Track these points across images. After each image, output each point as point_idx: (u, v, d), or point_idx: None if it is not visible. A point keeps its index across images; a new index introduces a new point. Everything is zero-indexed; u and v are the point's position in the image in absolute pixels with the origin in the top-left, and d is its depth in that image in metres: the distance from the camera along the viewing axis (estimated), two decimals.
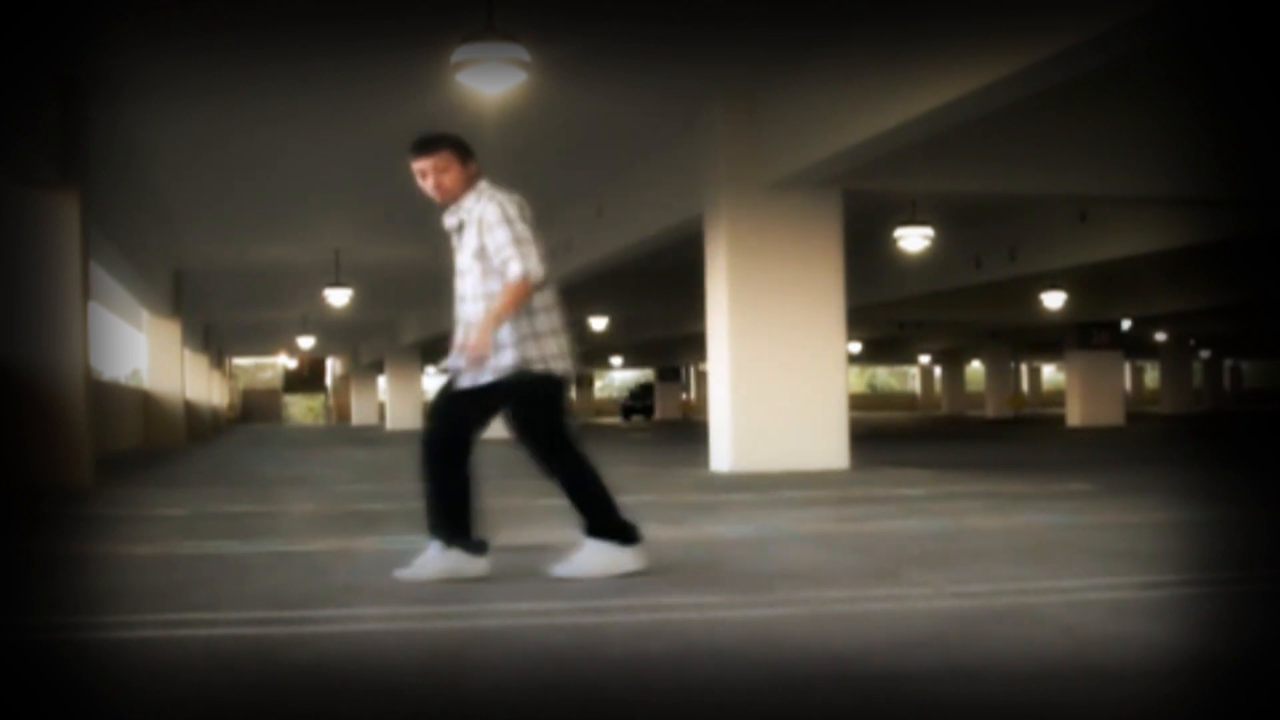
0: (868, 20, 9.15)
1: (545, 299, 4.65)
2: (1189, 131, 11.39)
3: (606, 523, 4.69)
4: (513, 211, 4.59)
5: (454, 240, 4.76)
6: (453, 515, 4.69)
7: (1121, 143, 11.55)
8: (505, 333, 4.57)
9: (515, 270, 4.51)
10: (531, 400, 4.67)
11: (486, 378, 4.60)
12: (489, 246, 4.59)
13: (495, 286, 4.59)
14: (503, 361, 4.58)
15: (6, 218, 10.65)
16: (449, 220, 4.75)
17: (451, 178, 4.68)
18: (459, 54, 8.12)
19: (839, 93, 9.87)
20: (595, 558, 4.66)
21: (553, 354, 4.63)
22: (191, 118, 12.08)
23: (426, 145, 4.70)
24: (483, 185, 4.73)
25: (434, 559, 4.65)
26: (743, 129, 11.46)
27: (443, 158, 4.67)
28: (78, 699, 3.09)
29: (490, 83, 8.48)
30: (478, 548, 4.66)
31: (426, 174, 4.68)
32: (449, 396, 4.73)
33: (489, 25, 8.02)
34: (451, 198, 4.70)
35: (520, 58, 8.17)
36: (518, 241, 4.54)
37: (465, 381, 4.64)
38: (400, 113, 11.55)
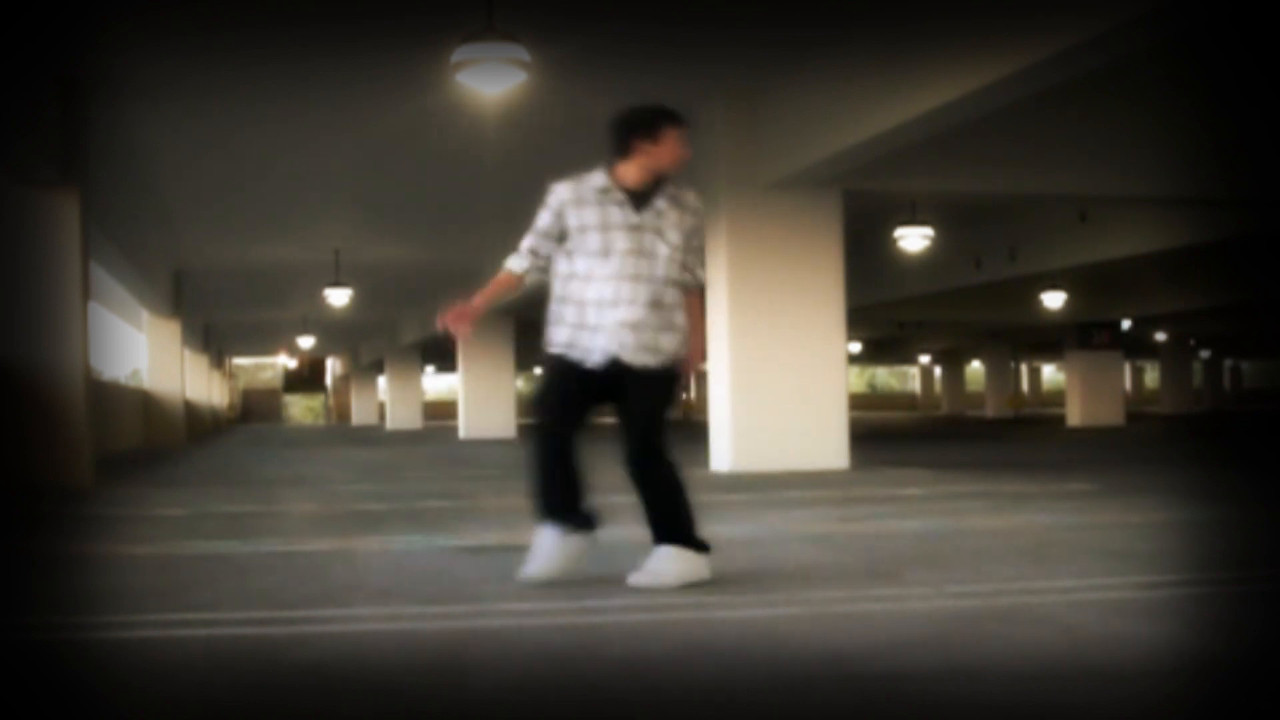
0: (868, 20, 9.15)
1: None
2: (1189, 131, 11.39)
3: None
4: None
5: (633, 216, 4.50)
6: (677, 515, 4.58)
7: (1121, 143, 11.55)
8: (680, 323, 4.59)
9: (704, 277, 4.73)
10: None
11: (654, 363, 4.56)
12: (694, 242, 4.62)
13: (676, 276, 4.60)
14: (670, 348, 4.58)
15: (6, 218, 10.65)
16: (637, 199, 4.53)
17: None
18: (459, 54, 8.12)
19: (839, 93, 9.87)
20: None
21: None
22: (191, 118, 12.08)
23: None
24: None
25: (668, 562, 4.50)
26: (743, 129, 11.46)
27: None
28: (78, 699, 3.09)
29: (490, 83, 8.48)
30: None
31: (685, 144, 4.59)
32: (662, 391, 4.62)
33: (489, 25, 8.02)
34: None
35: (520, 58, 8.18)
36: None
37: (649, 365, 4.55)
38: (400, 113, 11.57)
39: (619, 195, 4.51)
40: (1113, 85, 10.37)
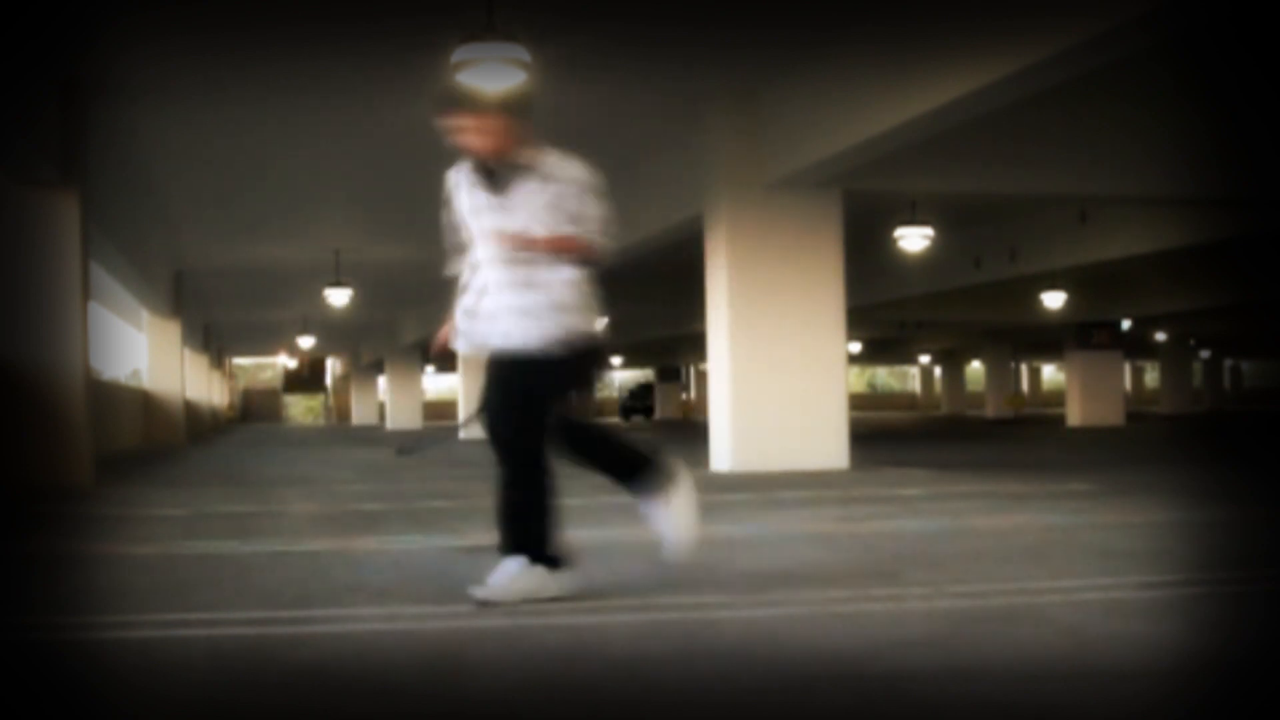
0: (868, 21, 9.15)
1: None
2: (1189, 131, 11.39)
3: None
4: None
5: (491, 197, 4.29)
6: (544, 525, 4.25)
7: (1121, 143, 11.55)
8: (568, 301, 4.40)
9: (603, 243, 4.51)
10: None
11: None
12: (570, 208, 4.28)
13: None
14: (554, 331, 4.34)
15: (6, 218, 10.65)
16: (494, 178, 4.29)
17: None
18: (459, 54, 8.12)
19: (839, 93, 9.88)
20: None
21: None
22: (192, 118, 12.08)
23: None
24: None
25: (517, 576, 4.16)
26: (743, 129, 11.46)
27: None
28: (78, 699, 3.09)
29: (490, 83, 8.47)
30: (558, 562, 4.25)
31: (457, 127, 4.27)
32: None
33: (489, 25, 8.02)
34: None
35: (520, 58, 8.18)
36: None
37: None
38: (400, 113, 11.57)
39: (476, 176, 4.30)
40: (1113, 85, 10.37)
